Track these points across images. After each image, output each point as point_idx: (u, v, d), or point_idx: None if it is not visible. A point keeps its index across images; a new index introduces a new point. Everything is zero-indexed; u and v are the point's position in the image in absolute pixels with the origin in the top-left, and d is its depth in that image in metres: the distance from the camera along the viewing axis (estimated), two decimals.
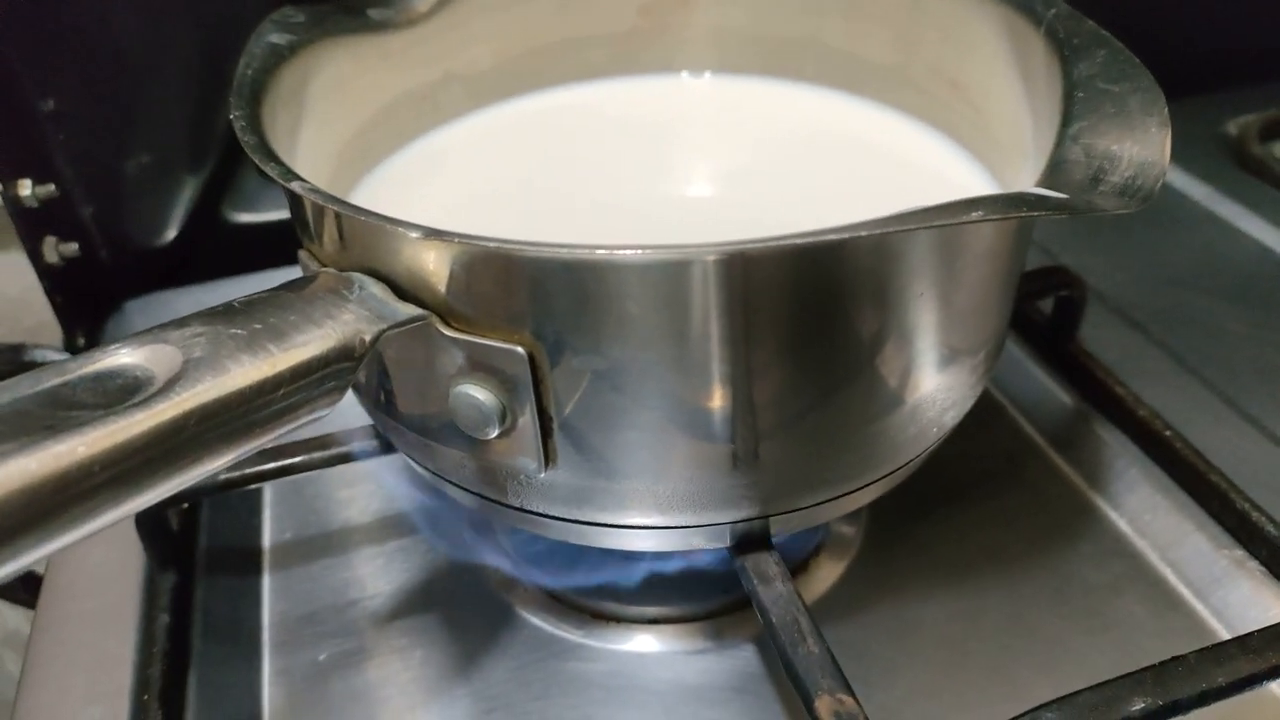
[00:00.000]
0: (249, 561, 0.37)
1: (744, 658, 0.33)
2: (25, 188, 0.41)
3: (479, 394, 0.25)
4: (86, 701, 0.31)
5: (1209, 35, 0.60)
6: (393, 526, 0.38)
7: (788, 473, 0.27)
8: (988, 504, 0.38)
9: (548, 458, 0.26)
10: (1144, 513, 0.37)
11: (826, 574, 0.36)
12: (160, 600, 0.34)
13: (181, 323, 0.22)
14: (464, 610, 0.35)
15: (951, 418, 0.30)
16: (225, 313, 0.22)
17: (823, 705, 0.26)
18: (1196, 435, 0.37)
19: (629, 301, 0.23)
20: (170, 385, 0.20)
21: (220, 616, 0.35)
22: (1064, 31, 0.29)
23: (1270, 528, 0.34)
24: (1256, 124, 0.54)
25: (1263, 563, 0.34)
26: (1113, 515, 0.37)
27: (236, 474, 0.34)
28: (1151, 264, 0.48)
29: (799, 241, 0.21)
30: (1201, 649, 0.27)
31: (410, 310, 0.24)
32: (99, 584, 0.35)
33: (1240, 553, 0.35)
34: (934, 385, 0.28)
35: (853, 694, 0.26)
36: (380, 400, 0.29)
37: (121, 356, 0.21)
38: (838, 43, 0.39)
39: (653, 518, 0.28)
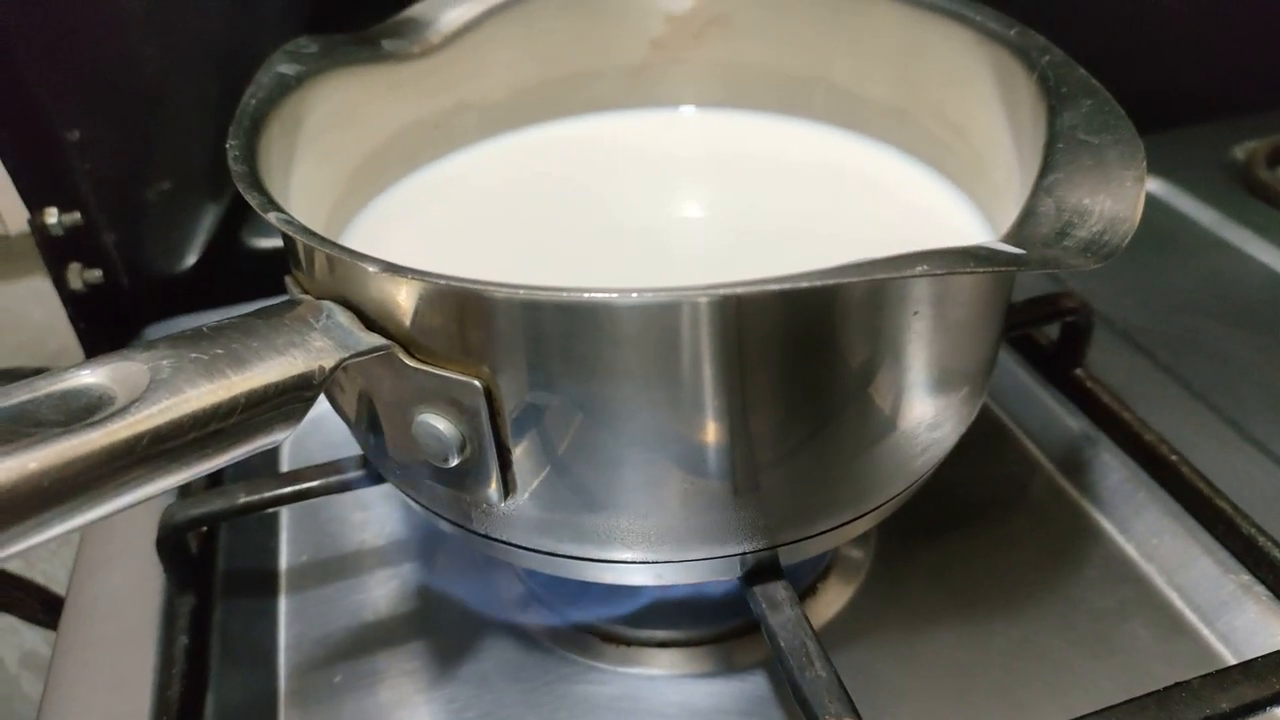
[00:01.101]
0: (266, 584, 0.38)
1: (753, 681, 0.34)
2: (51, 216, 0.42)
3: (439, 424, 0.25)
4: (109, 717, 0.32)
5: (1217, 62, 0.60)
6: (407, 550, 0.39)
7: (765, 506, 0.28)
8: (995, 528, 0.38)
9: (507, 488, 0.27)
10: (1151, 537, 0.37)
11: (835, 597, 0.36)
12: (179, 622, 0.34)
13: (151, 344, 0.22)
14: (476, 633, 0.36)
15: (948, 441, 0.30)
16: (192, 337, 0.23)
17: None
18: (1203, 460, 0.38)
19: (578, 341, 0.24)
20: (129, 406, 0.21)
21: (238, 638, 0.35)
22: (1054, 79, 0.29)
23: (1276, 552, 0.34)
24: (1264, 149, 0.54)
25: (1269, 587, 0.34)
26: (1119, 539, 0.38)
27: (255, 498, 0.34)
28: (1159, 289, 0.48)
29: (740, 291, 0.22)
30: (1205, 675, 0.27)
31: (374, 340, 0.25)
32: (119, 606, 0.35)
33: (1247, 577, 0.35)
34: (926, 412, 0.28)
35: (859, 717, 0.27)
36: (361, 427, 0.29)
37: (87, 376, 0.22)
38: (844, 82, 0.39)
39: (641, 552, 0.28)
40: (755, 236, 0.36)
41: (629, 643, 0.35)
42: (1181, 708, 0.26)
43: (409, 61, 0.38)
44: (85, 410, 0.21)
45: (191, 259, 0.50)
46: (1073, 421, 0.41)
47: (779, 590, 0.29)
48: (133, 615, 0.35)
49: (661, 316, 0.23)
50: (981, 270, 0.22)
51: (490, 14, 0.39)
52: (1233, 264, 0.50)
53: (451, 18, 0.39)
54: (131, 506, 0.21)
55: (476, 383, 0.25)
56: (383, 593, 0.37)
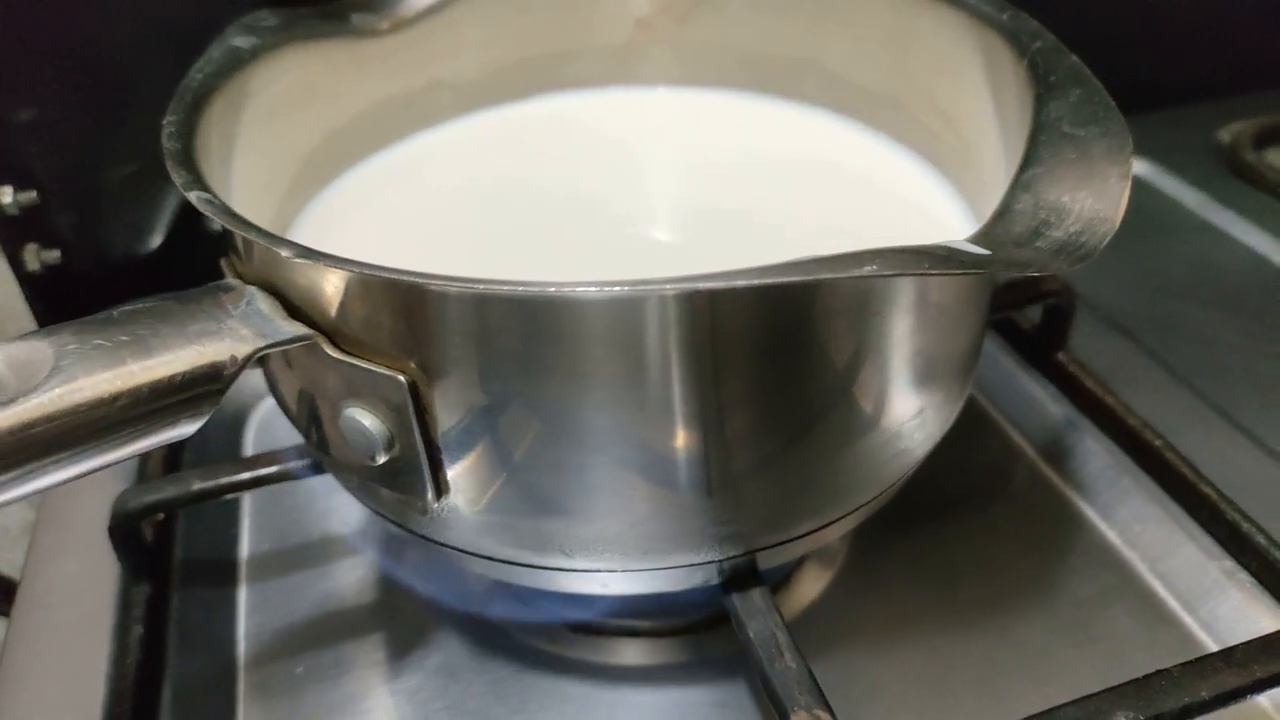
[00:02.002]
0: (226, 573, 0.37)
1: (725, 672, 0.33)
2: (6, 195, 0.41)
3: (365, 419, 0.24)
4: (60, 711, 0.31)
5: (1202, 43, 0.59)
6: (371, 539, 0.38)
7: (741, 511, 0.26)
8: (975, 515, 0.38)
9: (439, 489, 0.26)
10: (1134, 523, 0.36)
11: (809, 588, 0.35)
12: (134, 612, 0.33)
13: (58, 329, 0.21)
14: (442, 623, 0.35)
15: (931, 439, 0.29)
16: (101, 322, 0.22)
17: None
18: (1187, 445, 0.37)
19: (504, 337, 0.22)
20: (19, 395, 0.20)
21: (195, 628, 0.34)
22: (1044, 66, 0.28)
23: (1260, 539, 0.34)
24: (1250, 131, 0.54)
25: (1253, 574, 0.34)
26: (1102, 526, 0.37)
27: (211, 484, 0.33)
28: (1143, 272, 0.48)
29: (667, 289, 0.21)
30: (1185, 662, 0.26)
31: (294, 330, 0.24)
32: (74, 594, 0.34)
33: (1230, 564, 0.34)
34: (903, 412, 0.27)
35: (830, 710, 0.26)
36: (297, 419, 0.28)
37: None
38: (835, 67, 0.38)
39: (603, 560, 0.27)
40: (732, 228, 0.35)
41: (598, 633, 0.34)
42: (1161, 696, 0.26)
43: (378, 37, 0.36)
44: None
45: (155, 241, 0.49)
46: (1055, 406, 0.40)
47: (756, 595, 0.28)
48: (87, 604, 0.34)
49: (584, 311, 0.22)
50: (936, 273, 0.20)
51: None
52: (1218, 247, 0.49)
53: None
54: (16, 501, 0.21)
55: (401, 378, 0.23)
56: (347, 582, 0.36)
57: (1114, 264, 0.48)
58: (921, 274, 0.20)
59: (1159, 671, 0.26)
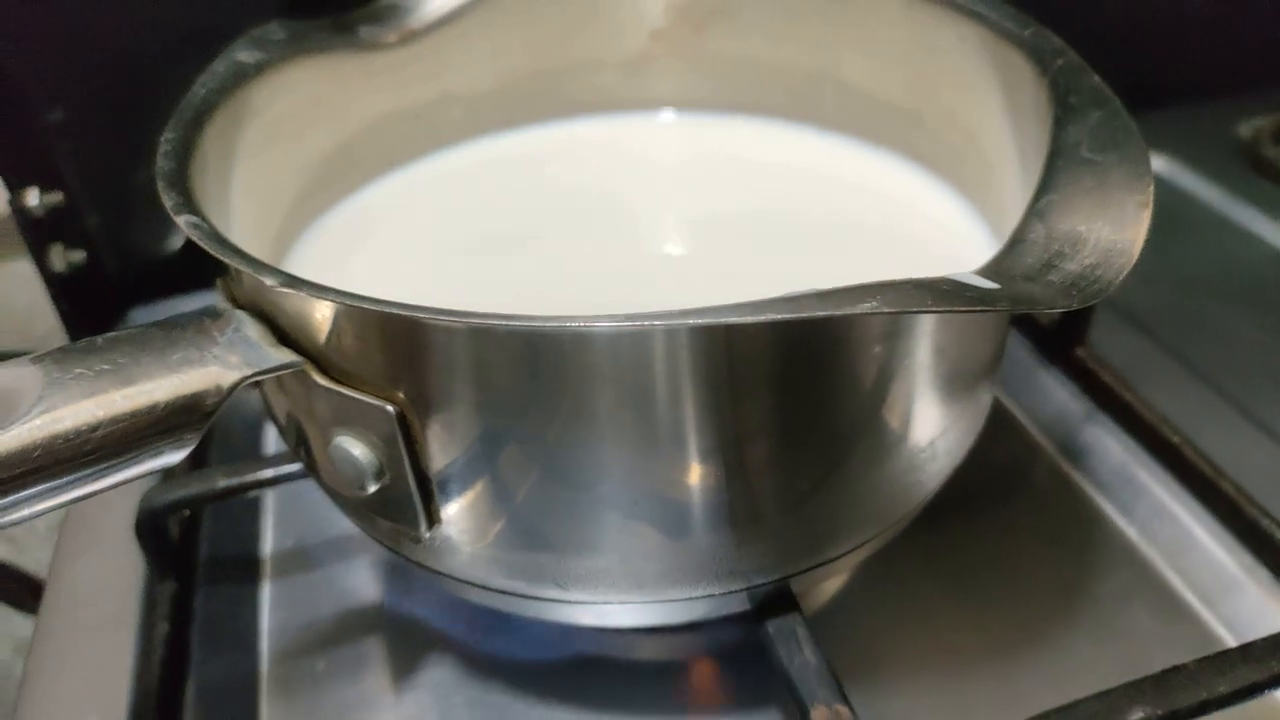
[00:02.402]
0: (249, 570, 0.37)
1: (747, 669, 0.33)
2: (32, 196, 0.42)
3: (354, 449, 0.24)
4: (86, 709, 0.31)
5: (1222, 38, 0.59)
6: None
7: (766, 542, 0.26)
8: (994, 511, 0.38)
9: (430, 519, 0.25)
10: (1152, 520, 0.36)
11: (829, 585, 0.35)
12: (159, 609, 0.34)
13: (41, 357, 0.21)
14: (466, 617, 0.35)
15: (957, 452, 0.29)
16: (84, 350, 0.22)
17: (819, 716, 0.26)
18: (1206, 442, 0.37)
19: (496, 370, 0.22)
20: (1, 425, 0.20)
21: (219, 625, 0.35)
22: (1065, 86, 0.27)
23: (1279, 534, 0.33)
24: (1270, 126, 0.53)
25: (1272, 570, 0.34)
26: (1121, 522, 0.37)
27: (235, 481, 0.34)
28: (1162, 268, 0.47)
29: (661, 324, 0.20)
30: (1203, 657, 0.26)
31: (282, 357, 0.23)
32: (100, 592, 0.35)
33: (1250, 560, 0.34)
34: (929, 431, 0.27)
35: (849, 704, 0.26)
36: (290, 441, 0.28)
37: None
38: (854, 81, 0.37)
39: (616, 593, 0.26)
40: (746, 255, 0.34)
41: (618, 630, 0.34)
42: (1178, 691, 0.26)
43: (387, 50, 0.36)
44: None
45: (178, 242, 0.49)
46: (1074, 402, 0.40)
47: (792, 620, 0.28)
48: (113, 602, 0.34)
49: (568, 344, 0.21)
50: (938, 310, 0.20)
51: (478, 1, 0.38)
52: (1238, 243, 0.49)
53: (436, 4, 0.37)
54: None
55: (390, 408, 0.23)
56: (369, 578, 0.37)
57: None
58: (924, 311, 0.20)
59: (1176, 667, 0.26)
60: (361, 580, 0.37)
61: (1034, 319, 0.43)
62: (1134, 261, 0.22)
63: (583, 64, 0.40)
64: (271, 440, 0.43)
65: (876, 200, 0.36)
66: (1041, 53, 0.29)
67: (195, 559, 0.37)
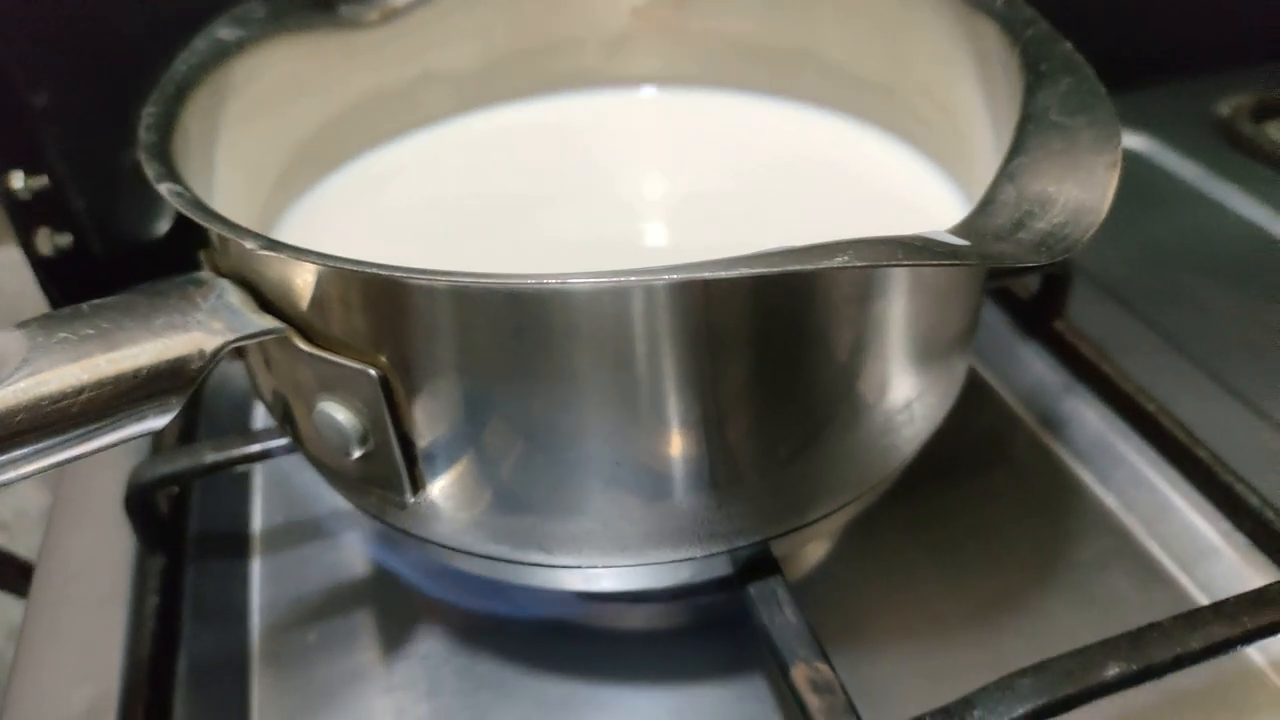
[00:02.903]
0: (239, 546, 0.37)
1: (734, 642, 0.33)
2: (18, 180, 0.42)
3: (339, 414, 0.24)
4: (78, 681, 0.32)
5: (1200, 17, 0.60)
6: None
7: (748, 502, 0.26)
8: (974, 481, 0.38)
9: (415, 484, 0.26)
10: (1130, 488, 0.37)
11: (811, 552, 0.36)
12: (150, 582, 0.34)
13: (26, 323, 0.22)
14: (456, 588, 0.35)
15: (933, 417, 0.30)
16: (69, 316, 0.22)
17: (799, 674, 0.26)
18: (1183, 411, 0.37)
19: (476, 331, 0.22)
20: None
21: (210, 599, 0.35)
22: (1035, 54, 0.27)
23: (1254, 499, 0.34)
24: (1248, 104, 0.54)
25: (1247, 535, 0.34)
26: (1099, 490, 0.38)
27: (223, 456, 0.34)
28: (1141, 243, 0.48)
29: (641, 280, 0.21)
30: (1177, 615, 0.27)
31: (264, 323, 0.24)
32: (91, 569, 0.35)
33: (1226, 525, 0.35)
34: (905, 393, 0.27)
35: (829, 662, 0.26)
36: (275, 411, 0.29)
37: None
38: (833, 58, 0.38)
39: (600, 556, 0.27)
40: (725, 226, 0.35)
41: (610, 599, 0.34)
42: (1153, 647, 0.26)
43: (368, 28, 0.36)
44: None
45: (165, 224, 0.49)
46: (1052, 373, 0.41)
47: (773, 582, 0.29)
48: (104, 577, 0.35)
49: (547, 303, 0.22)
50: (909, 263, 0.20)
51: None
52: (1216, 218, 0.49)
53: None
54: None
55: (372, 372, 0.23)
56: (358, 553, 0.37)
57: (1112, 235, 0.48)
58: (895, 265, 0.20)
59: (1152, 624, 0.27)
60: (350, 555, 0.37)
61: (1012, 292, 0.43)
62: (1102, 219, 0.22)
63: (565, 42, 0.41)
64: (259, 418, 0.43)
65: (856, 173, 0.36)
66: (1013, 22, 0.29)
67: (185, 535, 0.37)
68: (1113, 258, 0.46)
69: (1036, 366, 0.41)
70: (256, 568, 0.37)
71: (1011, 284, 0.43)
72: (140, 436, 0.23)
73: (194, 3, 0.43)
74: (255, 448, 0.34)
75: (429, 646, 0.34)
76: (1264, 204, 0.49)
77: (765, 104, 0.40)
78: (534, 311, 0.22)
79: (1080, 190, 0.22)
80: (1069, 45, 0.28)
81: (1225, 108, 0.55)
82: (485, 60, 0.40)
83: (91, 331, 0.22)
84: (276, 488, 0.40)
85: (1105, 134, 0.24)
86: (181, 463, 0.34)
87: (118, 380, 0.21)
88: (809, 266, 0.20)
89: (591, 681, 0.32)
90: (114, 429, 0.22)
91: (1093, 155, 0.23)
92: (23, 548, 0.57)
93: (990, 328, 0.43)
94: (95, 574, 0.35)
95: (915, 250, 0.20)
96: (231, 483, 0.39)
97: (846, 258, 0.20)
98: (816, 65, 0.38)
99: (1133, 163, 0.54)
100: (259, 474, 0.40)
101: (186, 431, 0.40)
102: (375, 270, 0.21)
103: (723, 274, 0.20)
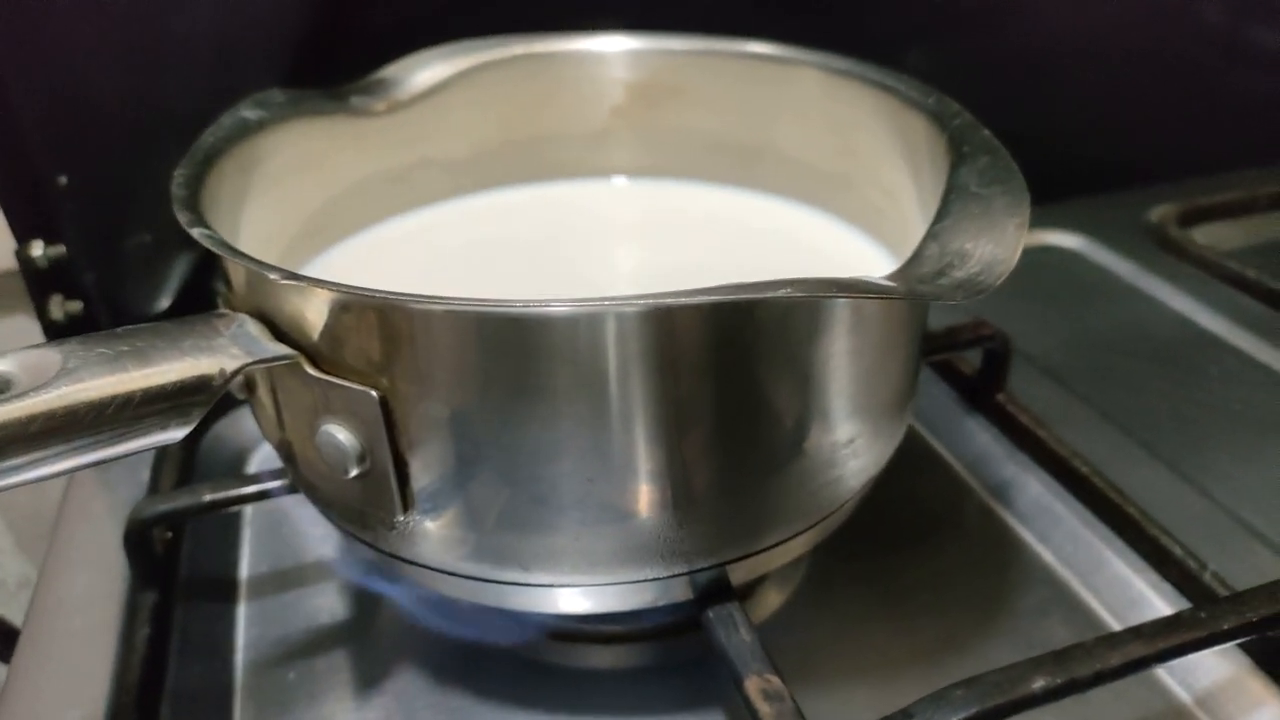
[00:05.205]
0: (227, 590, 0.39)
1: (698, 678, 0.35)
2: (37, 248, 0.45)
3: (340, 434, 0.27)
4: (69, 704, 0.33)
5: (1134, 135, 0.65)
6: (363, 562, 0.40)
7: (698, 524, 0.29)
8: (925, 540, 0.41)
9: (406, 502, 0.28)
10: (1067, 544, 0.40)
11: (771, 601, 0.38)
12: (141, 615, 0.36)
13: (65, 340, 0.24)
14: (427, 634, 0.37)
15: (881, 456, 0.32)
16: (105, 336, 0.25)
17: (752, 685, 0.28)
18: (1115, 474, 0.40)
19: (469, 353, 0.25)
20: (28, 391, 0.23)
21: (197, 635, 0.37)
22: (961, 139, 0.31)
23: (1178, 550, 0.37)
24: (1175, 211, 0.59)
25: (1174, 584, 0.37)
26: (1039, 548, 0.40)
27: (220, 496, 0.36)
28: (1079, 331, 0.52)
29: (614, 307, 0.24)
30: (1099, 636, 0.29)
31: (279, 350, 0.27)
32: (85, 602, 0.37)
33: (1154, 576, 0.37)
34: (847, 431, 0.30)
35: (780, 674, 0.29)
36: (275, 439, 0.31)
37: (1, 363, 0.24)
38: (791, 151, 0.42)
39: (566, 575, 0.29)
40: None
41: (577, 639, 0.36)
42: (1076, 664, 0.28)
43: (375, 117, 0.40)
44: None
45: (165, 302, 0.52)
46: (995, 443, 0.44)
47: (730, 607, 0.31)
48: (97, 610, 0.36)
49: (543, 330, 0.25)
50: (842, 295, 0.24)
51: (458, 78, 0.42)
52: (1146, 310, 0.54)
53: (420, 79, 0.42)
54: (18, 486, 0.23)
55: (373, 393, 0.26)
56: (340, 599, 0.39)
57: (1053, 323, 0.53)
58: (829, 296, 0.24)
59: (1076, 644, 0.29)
60: (331, 601, 0.39)
61: (957, 368, 0.47)
62: (1011, 268, 0.25)
63: (550, 136, 0.45)
64: (255, 462, 0.45)
65: (808, 253, 0.40)
66: (942, 115, 0.33)
67: (177, 576, 0.39)
68: (1052, 343, 0.50)
69: (981, 437, 0.45)
70: (242, 609, 0.38)
71: (956, 361, 0.47)
72: (163, 444, 0.25)
73: (201, 101, 0.47)
74: (251, 489, 0.36)
75: (404, 683, 0.35)
76: (1189, 298, 0.53)
77: (725, 192, 0.44)
78: (517, 334, 0.25)
79: (994, 246, 0.26)
80: (988, 132, 0.32)
81: (1155, 214, 0.59)
82: (478, 150, 0.44)
83: (126, 349, 0.24)
84: (264, 537, 0.42)
85: (1016, 201, 0.28)
86: (181, 501, 0.36)
87: (147, 392, 0.24)
88: (755, 296, 0.23)
89: (560, 716, 0.34)
90: (141, 435, 0.24)
91: (1005, 218, 0.27)
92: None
93: (938, 401, 0.47)
94: (89, 608, 0.36)
95: (848, 286, 0.24)
96: (222, 531, 0.41)
97: (788, 290, 0.23)
98: (776, 157, 0.43)
99: (1071, 261, 0.58)
100: (248, 525, 0.42)
101: (183, 476, 0.42)
102: (380, 295, 0.24)
103: (681, 301, 0.23)
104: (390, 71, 0.42)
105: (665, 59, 0.43)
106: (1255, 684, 0.33)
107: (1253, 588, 0.31)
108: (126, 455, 0.25)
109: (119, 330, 0.25)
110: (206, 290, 0.55)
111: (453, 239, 0.42)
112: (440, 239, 0.42)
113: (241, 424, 0.46)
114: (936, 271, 0.25)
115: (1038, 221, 0.59)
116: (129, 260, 0.51)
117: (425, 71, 0.42)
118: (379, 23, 0.52)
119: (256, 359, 0.26)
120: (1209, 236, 0.58)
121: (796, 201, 0.43)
